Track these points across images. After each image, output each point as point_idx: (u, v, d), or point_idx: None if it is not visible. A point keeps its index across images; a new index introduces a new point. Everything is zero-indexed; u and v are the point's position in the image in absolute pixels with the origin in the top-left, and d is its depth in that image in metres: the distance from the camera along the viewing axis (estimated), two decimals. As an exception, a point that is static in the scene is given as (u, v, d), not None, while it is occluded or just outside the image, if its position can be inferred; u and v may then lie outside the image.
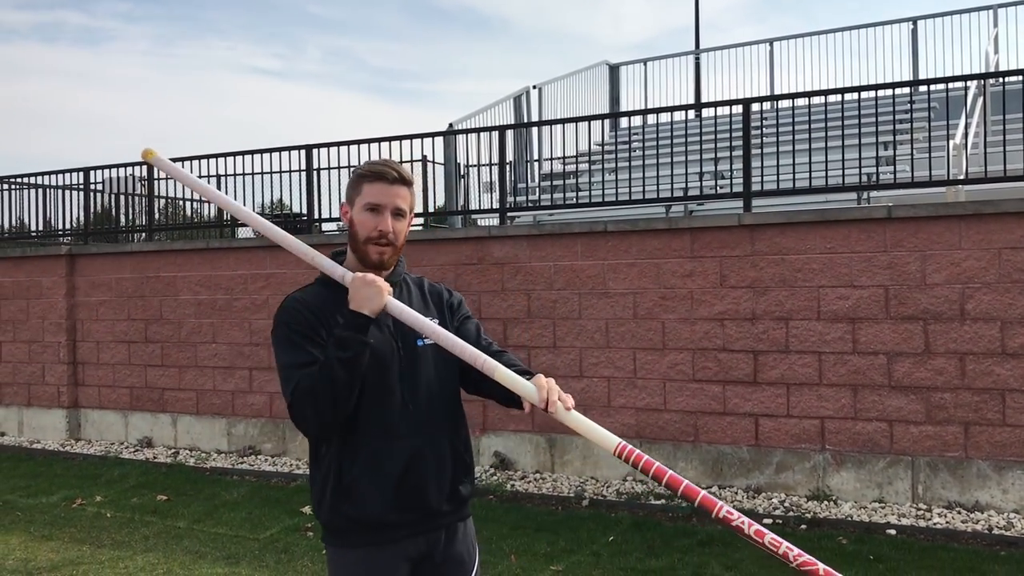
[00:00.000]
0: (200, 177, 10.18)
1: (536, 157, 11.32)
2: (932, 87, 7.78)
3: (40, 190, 11.17)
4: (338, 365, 2.18)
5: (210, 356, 9.21)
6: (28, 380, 10.30)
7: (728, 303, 6.99)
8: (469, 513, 2.51)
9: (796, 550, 1.93)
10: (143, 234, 10.86)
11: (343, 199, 2.51)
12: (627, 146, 11.55)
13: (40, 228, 11.35)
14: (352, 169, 2.36)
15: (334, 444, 2.33)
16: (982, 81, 9.10)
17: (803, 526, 6.07)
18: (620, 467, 7.35)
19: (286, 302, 2.39)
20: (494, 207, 9.11)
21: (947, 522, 6.05)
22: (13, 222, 11.60)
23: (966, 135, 8.20)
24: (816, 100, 8.49)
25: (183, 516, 6.77)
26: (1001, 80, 7.64)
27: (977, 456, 6.25)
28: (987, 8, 11.95)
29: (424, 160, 9.71)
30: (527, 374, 2.29)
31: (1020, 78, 8.06)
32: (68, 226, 11.23)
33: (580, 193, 9.68)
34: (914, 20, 12.44)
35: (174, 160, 10.13)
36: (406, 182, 2.40)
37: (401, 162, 9.16)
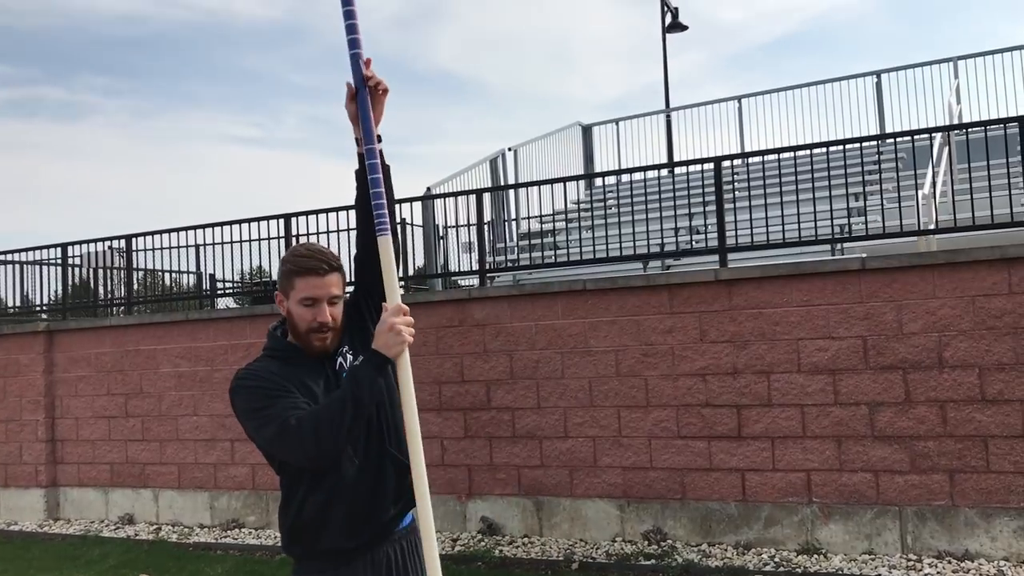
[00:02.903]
0: (180, 248, 10.18)
1: (514, 217, 11.42)
2: (898, 137, 7.96)
3: (18, 266, 11.13)
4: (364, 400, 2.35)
5: (191, 429, 9.11)
6: (5, 460, 10.13)
7: (709, 358, 7.02)
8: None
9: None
10: (122, 307, 10.81)
11: (277, 287, 2.59)
12: (603, 204, 11.69)
13: (18, 304, 11.28)
14: (287, 258, 2.49)
15: (303, 481, 2.46)
16: (947, 132, 9.31)
17: (794, 581, 6.02)
18: (609, 528, 7.30)
19: (243, 371, 2.50)
20: (473, 268, 9.17)
21: (938, 572, 6.03)
22: (-9, 299, 11.52)
23: (934, 185, 8.37)
24: (786, 155, 8.64)
25: (166, 595, 6.64)
26: (965, 130, 7.83)
27: (964, 504, 6.26)
28: (947, 60, 12.29)
29: (403, 223, 9.77)
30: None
31: (982, 128, 8.25)
32: (47, 301, 11.17)
33: (558, 252, 9.76)
34: (878, 74, 12.76)
35: (156, 233, 10.15)
36: (335, 269, 2.51)
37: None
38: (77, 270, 11.15)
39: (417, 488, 2.34)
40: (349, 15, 2.41)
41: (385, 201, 2.46)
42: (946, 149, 9.36)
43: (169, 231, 10.04)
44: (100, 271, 11.25)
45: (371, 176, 2.46)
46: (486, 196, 9.25)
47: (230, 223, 9.69)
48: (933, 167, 8.44)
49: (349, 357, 2.53)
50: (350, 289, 2.64)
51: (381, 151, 2.48)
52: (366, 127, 2.45)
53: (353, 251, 2.67)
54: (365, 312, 2.61)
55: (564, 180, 9.57)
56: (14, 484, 10.06)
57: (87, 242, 10.68)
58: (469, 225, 9.08)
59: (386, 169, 2.52)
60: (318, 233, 9.26)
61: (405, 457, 2.43)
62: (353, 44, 2.44)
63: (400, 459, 2.46)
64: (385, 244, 2.42)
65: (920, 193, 7.84)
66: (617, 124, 14.47)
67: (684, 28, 17.59)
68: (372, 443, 2.47)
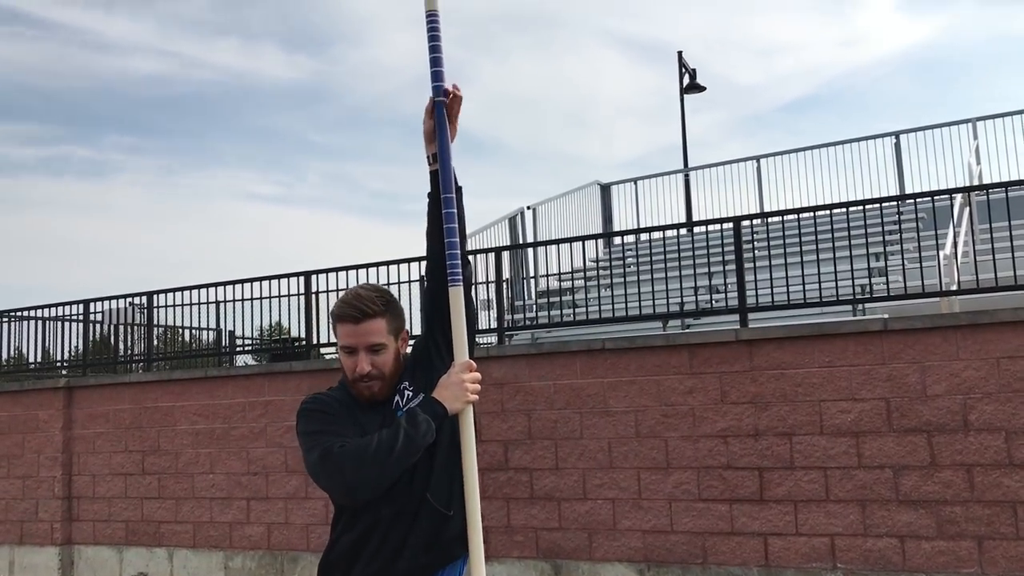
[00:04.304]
0: (200, 304, 10.24)
1: (532, 275, 11.44)
2: (919, 198, 7.94)
3: (39, 322, 11.22)
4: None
5: (208, 487, 9.06)
6: (21, 517, 10.09)
7: (730, 419, 6.94)
8: (460, 554, 2.43)
9: None
10: (141, 364, 10.85)
11: None
12: (621, 263, 11.69)
13: (39, 359, 11.35)
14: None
15: (342, 519, 2.43)
16: (967, 193, 9.29)
17: (820, 651, 5.85)
18: (628, 592, 7.15)
19: (311, 396, 2.48)
20: (491, 326, 9.15)
21: (968, 643, 5.85)
22: (12, 353, 11.61)
23: (955, 245, 8.32)
24: (806, 215, 8.66)
25: (178, 658, 6.53)
26: (986, 190, 7.81)
27: (993, 572, 6.09)
28: (966, 121, 12.31)
29: (422, 280, 9.80)
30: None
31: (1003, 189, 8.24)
32: (67, 357, 11.23)
33: (577, 310, 9.74)
34: (896, 134, 12.80)
35: (177, 290, 10.23)
36: (373, 315, 2.39)
37: (399, 283, 9.22)
38: (98, 326, 11.22)
39: (472, 543, 2.32)
40: (433, 37, 2.39)
41: (459, 251, 2.37)
42: (967, 210, 9.33)
43: (190, 288, 10.12)
44: (121, 328, 11.33)
45: (447, 225, 2.37)
46: (505, 254, 9.28)
47: (250, 280, 9.76)
48: (954, 227, 8.41)
49: (408, 394, 2.43)
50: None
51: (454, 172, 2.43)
52: (445, 177, 2.38)
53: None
54: (432, 348, 2.50)
55: (583, 239, 9.61)
56: (29, 541, 10.00)
57: (108, 299, 10.78)
58: (488, 283, 9.10)
59: (459, 190, 2.44)
60: (338, 290, 9.30)
61: (445, 508, 2.38)
62: (435, 62, 2.39)
63: (439, 509, 2.39)
64: (456, 295, 2.34)
65: (941, 254, 7.79)
66: (636, 183, 14.56)
67: (702, 89, 17.77)
68: (414, 489, 2.37)
